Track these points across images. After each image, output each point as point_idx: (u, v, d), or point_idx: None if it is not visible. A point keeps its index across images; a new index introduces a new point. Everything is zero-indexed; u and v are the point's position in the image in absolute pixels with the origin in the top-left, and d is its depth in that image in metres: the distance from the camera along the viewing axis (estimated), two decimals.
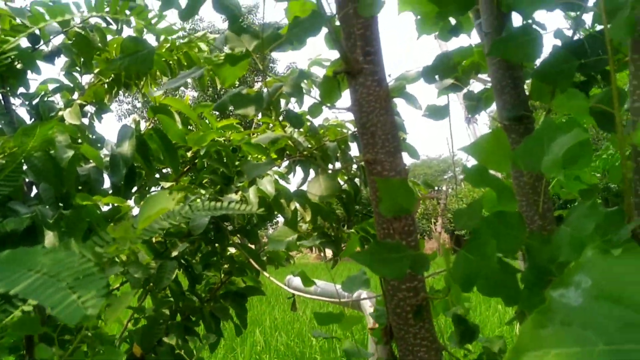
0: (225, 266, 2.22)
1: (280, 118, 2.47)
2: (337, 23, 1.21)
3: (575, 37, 1.19)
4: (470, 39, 2.17)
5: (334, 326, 5.50)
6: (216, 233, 2.12)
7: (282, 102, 2.03)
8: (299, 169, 2.35)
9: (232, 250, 2.22)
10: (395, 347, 1.20)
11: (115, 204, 1.74)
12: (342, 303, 1.81)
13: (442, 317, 1.45)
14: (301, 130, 2.24)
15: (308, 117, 2.21)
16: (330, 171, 1.98)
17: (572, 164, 0.82)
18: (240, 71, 1.02)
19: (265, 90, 1.19)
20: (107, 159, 1.72)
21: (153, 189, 2.24)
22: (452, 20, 1.50)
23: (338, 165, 2.34)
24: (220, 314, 2.13)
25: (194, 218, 1.95)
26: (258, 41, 1.01)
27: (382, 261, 0.93)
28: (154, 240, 2.14)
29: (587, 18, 1.54)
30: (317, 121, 2.37)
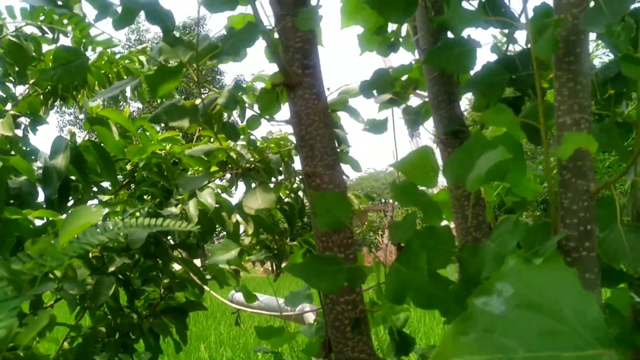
0: (166, 281, 2.17)
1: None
2: (277, 36, 1.21)
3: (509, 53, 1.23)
4: (414, 55, 2.22)
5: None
6: (156, 247, 2.07)
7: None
8: (241, 183, 2.33)
9: (177, 266, 2.18)
10: None
11: (51, 218, 1.67)
12: (285, 317, 1.80)
13: (383, 329, 1.45)
14: (244, 143, 2.22)
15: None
16: (272, 184, 1.97)
17: (499, 179, 0.84)
18: (174, 83, 1.00)
19: (201, 102, 1.18)
20: (41, 171, 1.66)
21: (90, 202, 2.17)
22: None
23: (282, 178, 2.34)
24: (160, 330, 2.08)
25: (132, 232, 1.90)
26: (193, 52, 1.00)
27: (318, 274, 0.92)
28: (90, 255, 2.07)
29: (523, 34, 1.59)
30: (262, 134, 2.37)
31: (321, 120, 1.14)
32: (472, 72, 1.15)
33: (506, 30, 1.33)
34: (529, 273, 0.44)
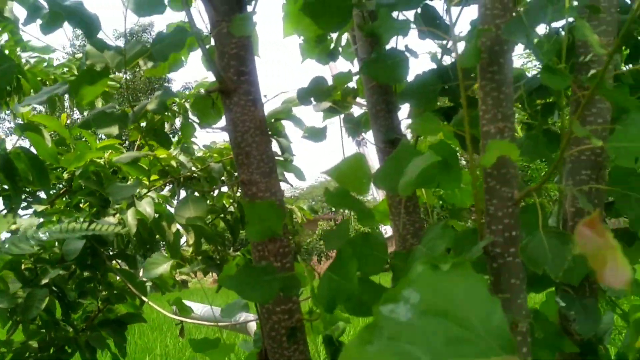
0: (104, 293, 2.11)
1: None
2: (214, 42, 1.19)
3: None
4: (354, 65, 2.24)
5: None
6: (93, 258, 2.00)
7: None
8: (183, 192, 2.29)
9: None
10: None
11: None
12: (223, 327, 1.76)
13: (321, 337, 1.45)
14: (191, 154, 2.19)
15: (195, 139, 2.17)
16: (215, 192, 1.94)
17: (431, 183, 0.85)
18: (99, 88, 0.97)
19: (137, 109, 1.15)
20: None
21: (24, 212, 2.09)
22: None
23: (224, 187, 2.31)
24: (97, 344, 2.01)
25: (67, 242, 1.84)
26: (120, 57, 0.97)
27: (250, 285, 0.91)
28: (23, 267, 1.99)
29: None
30: (205, 142, 2.33)
31: (257, 127, 1.13)
32: (407, 82, 1.16)
33: (442, 42, 1.35)
34: (436, 279, 0.44)
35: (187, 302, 2.72)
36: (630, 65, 1.46)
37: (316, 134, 1.39)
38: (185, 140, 1.72)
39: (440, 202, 1.72)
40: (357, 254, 0.87)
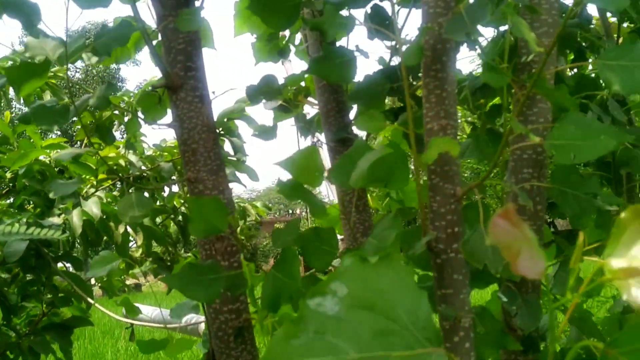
0: (48, 296, 2.04)
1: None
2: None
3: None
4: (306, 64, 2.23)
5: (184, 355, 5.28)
6: (37, 260, 1.94)
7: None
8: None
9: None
10: None
11: None
12: (171, 329, 1.73)
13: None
14: (136, 152, 2.15)
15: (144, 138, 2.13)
16: (166, 193, 1.90)
17: (382, 176, 0.85)
18: (39, 81, 0.94)
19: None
20: None
21: None
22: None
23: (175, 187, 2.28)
24: (41, 349, 1.95)
25: (9, 243, 1.78)
26: (62, 50, 0.94)
27: (194, 284, 0.89)
28: None
29: None
30: (155, 141, 2.29)
31: (204, 124, 1.12)
32: (357, 82, 1.17)
33: (391, 43, 1.36)
34: (364, 272, 0.43)
35: (138, 305, 2.67)
36: (575, 70, 1.50)
37: (266, 132, 1.38)
38: (130, 135, 1.68)
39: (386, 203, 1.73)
40: (307, 249, 0.87)
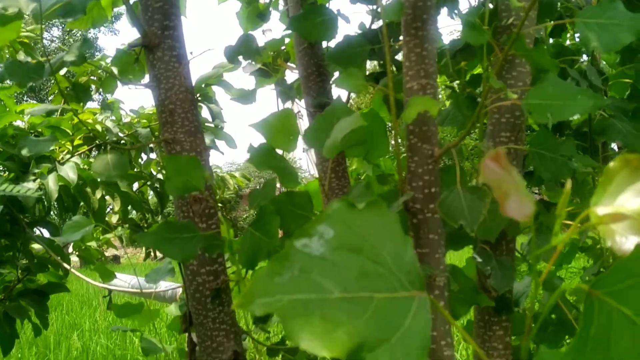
0: (24, 262, 2.02)
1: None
2: None
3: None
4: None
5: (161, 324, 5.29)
6: (12, 225, 1.91)
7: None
8: None
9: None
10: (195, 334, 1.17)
11: None
12: (146, 295, 1.73)
13: None
14: (114, 118, 2.12)
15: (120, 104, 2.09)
16: (143, 160, 1.88)
17: (353, 146, 0.85)
18: (11, 33, 0.91)
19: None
20: None
21: None
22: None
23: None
24: (16, 314, 1.93)
25: None
26: (36, 4, 0.91)
27: (170, 242, 0.89)
28: None
29: None
30: (132, 107, 2.26)
31: (181, 84, 1.10)
32: (336, 44, 1.16)
33: (373, 7, 1.35)
34: (351, 216, 0.43)
35: (116, 274, 2.66)
36: (554, 40, 1.51)
37: (245, 96, 1.36)
38: (106, 95, 1.64)
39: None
40: (282, 213, 0.86)
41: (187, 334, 1.17)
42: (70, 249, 2.38)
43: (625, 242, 0.40)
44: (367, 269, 0.42)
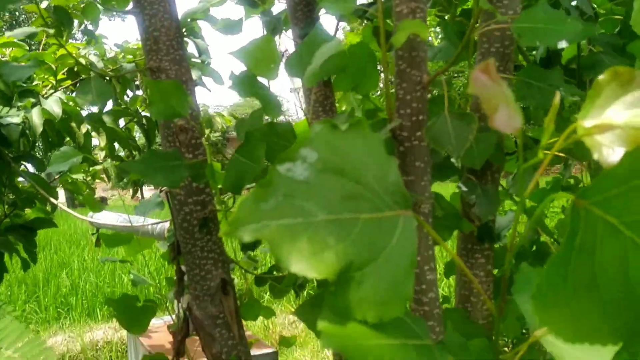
0: (10, 197, 2.02)
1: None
2: None
3: None
4: None
5: (154, 260, 5.35)
6: None
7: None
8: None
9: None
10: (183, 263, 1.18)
11: None
12: (134, 229, 1.74)
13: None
14: (97, 53, 2.07)
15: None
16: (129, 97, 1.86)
17: (335, 72, 0.84)
18: None
19: None
20: None
21: None
22: None
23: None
24: (5, 248, 1.94)
25: None
26: None
27: (156, 169, 0.89)
28: None
29: None
30: (116, 42, 2.21)
31: (166, 10, 1.07)
32: None
33: None
34: (334, 138, 0.43)
35: (104, 212, 2.67)
36: None
37: (231, 27, 1.33)
38: (89, 20, 1.60)
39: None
40: (265, 140, 0.86)
41: (176, 263, 1.19)
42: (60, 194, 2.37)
43: (612, 154, 0.40)
44: (351, 190, 0.42)
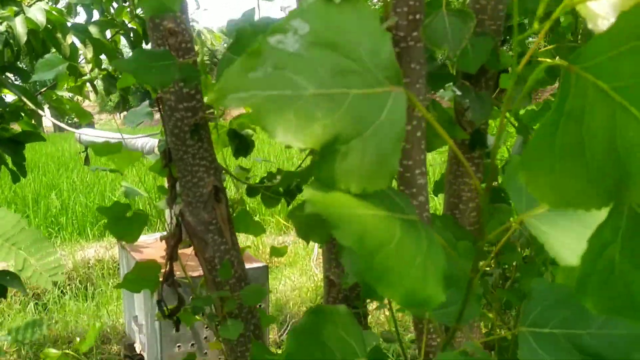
0: None
1: None
2: None
3: None
4: None
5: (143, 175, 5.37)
6: None
7: None
8: (81, 10, 2.11)
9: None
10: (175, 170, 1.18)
11: None
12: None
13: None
14: None
15: None
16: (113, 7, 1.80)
17: None
18: None
19: None
20: None
21: None
22: None
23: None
24: None
25: None
26: None
27: (147, 69, 0.87)
28: None
29: None
30: None
31: None
32: None
33: None
34: (327, 11, 0.42)
35: (93, 130, 2.64)
36: None
37: None
38: None
39: None
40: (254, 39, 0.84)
41: (167, 171, 1.19)
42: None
43: (607, 24, 0.40)
44: (342, 65, 0.41)
